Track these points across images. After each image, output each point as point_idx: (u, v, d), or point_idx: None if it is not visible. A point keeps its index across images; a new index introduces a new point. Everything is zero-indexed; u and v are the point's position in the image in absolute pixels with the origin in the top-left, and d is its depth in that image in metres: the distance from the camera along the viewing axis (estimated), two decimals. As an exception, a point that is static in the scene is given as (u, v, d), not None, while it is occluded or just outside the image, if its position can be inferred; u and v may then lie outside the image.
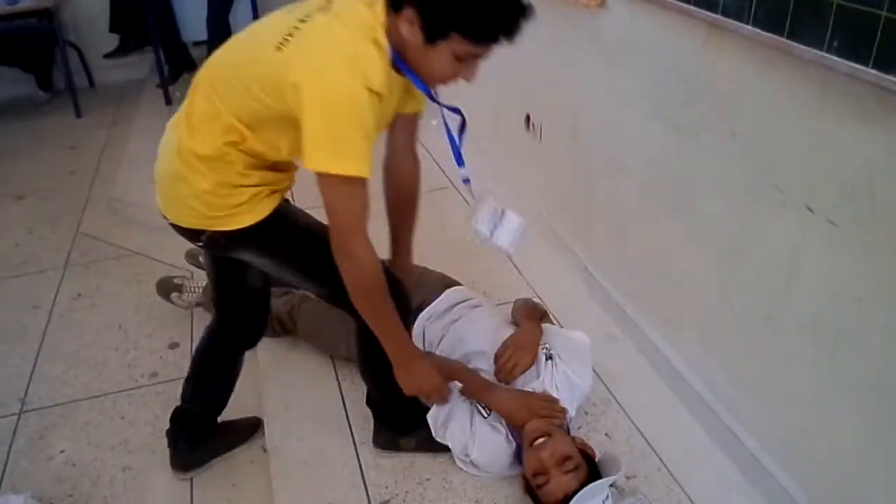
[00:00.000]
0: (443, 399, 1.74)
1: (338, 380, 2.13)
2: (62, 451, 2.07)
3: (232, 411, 2.05)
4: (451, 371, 1.81)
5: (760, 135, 1.60)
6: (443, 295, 2.11)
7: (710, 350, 1.91)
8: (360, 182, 1.32)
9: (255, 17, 4.28)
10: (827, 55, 1.31)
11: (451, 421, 1.79)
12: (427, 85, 1.43)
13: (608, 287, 2.36)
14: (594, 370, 2.13)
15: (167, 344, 2.45)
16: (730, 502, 1.75)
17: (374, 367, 1.74)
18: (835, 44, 1.30)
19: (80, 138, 4.21)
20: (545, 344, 1.91)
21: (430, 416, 1.80)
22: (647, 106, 1.98)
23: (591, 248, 2.49)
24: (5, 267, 2.97)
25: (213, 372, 1.90)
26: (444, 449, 1.81)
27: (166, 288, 2.51)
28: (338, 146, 1.28)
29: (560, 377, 1.84)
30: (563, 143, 2.55)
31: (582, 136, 2.42)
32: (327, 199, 1.34)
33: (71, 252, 3.03)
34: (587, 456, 1.66)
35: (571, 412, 1.83)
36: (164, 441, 1.95)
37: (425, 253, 2.76)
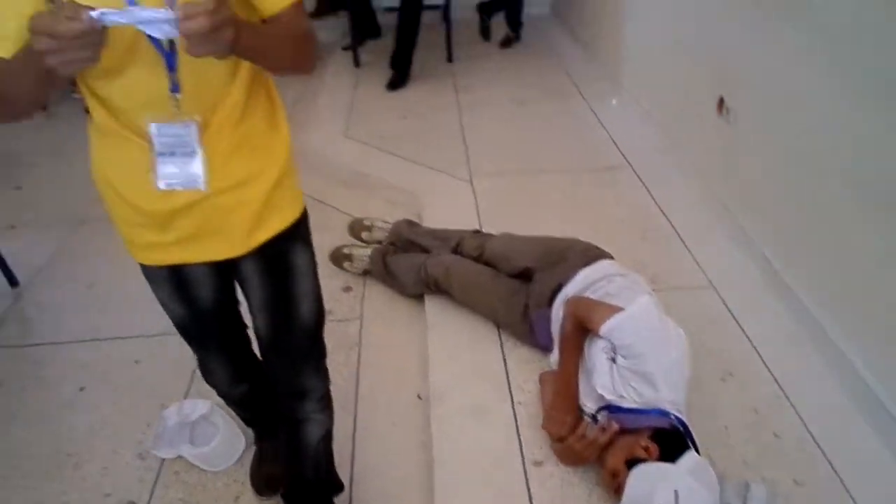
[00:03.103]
0: None
1: (500, 337, 2.17)
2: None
3: (398, 355, 2.15)
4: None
5: None
6: (579, 275, 1.99)
7: None
8: None
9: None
10: None
11: None
12: None
13: (789, 280, 2.22)
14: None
15: (341, 287, 2.61)
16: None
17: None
18: None
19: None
20: (606, 347, 1.75)
21: None
22: (869, 91, 1.81)
23: (776, 241, 2.34)
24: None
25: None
26: None
27: (338, 258, 2.70)
28: None
29: (626, 374, 1.69)
30: (758, 130, 2.41)
31: (782, 123, 2.26)
32: None
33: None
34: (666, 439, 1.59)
35: (658, 392, 1.66)
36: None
37: (599, 229, 2.72)
